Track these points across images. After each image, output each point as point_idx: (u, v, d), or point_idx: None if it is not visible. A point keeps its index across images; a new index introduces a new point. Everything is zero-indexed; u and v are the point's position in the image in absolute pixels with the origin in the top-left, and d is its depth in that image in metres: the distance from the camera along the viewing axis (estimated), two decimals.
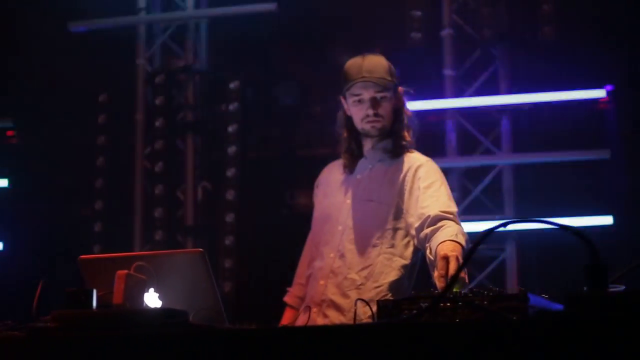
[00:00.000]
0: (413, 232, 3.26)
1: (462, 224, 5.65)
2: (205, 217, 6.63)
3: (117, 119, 6.90)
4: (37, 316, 2.50)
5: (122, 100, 6.89)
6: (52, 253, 6.36)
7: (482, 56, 6.34)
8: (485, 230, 1.87)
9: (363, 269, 3.34)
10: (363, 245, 3.36)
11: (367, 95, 3.36)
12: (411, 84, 6.37)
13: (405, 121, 3.45)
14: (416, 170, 3.35)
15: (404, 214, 3.33)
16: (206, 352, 1.98)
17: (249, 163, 6.57)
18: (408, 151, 3.45)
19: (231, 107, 6.57)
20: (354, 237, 3.38)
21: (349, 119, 3.48)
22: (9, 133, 7.13)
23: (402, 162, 3.40)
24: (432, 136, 6.32)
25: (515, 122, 6.20)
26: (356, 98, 3.38)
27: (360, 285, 3.30)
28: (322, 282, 3.38)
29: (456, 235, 2.98)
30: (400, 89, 3.45)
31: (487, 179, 6.18)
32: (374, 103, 3.35)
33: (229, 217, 6.34)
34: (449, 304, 2.11)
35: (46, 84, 6.90)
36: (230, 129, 6.53)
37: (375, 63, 3.39)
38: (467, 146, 6.25)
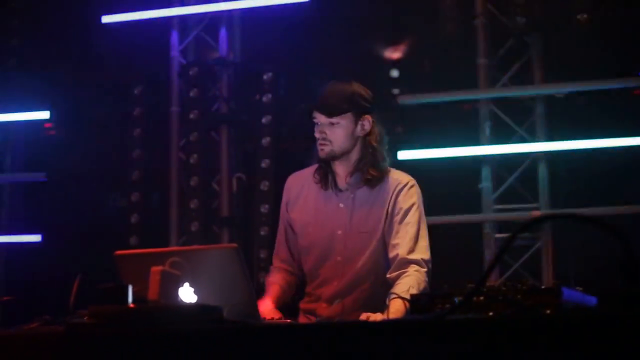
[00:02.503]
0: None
1: (496, 214, 5.68)
2: (240, 208, 6.66)
3: (152, 112, 6.94)
4: (74, 311, 2.54)
5: (157, 93, 6.93)
6: (90, 245, 6.43)
7: (515, 45, 6.29)
8: (519, 227, 1.87)
9: (364, 295, 3.44)
10: (362, 270, 3.46)
11: (319, 119, 3.45)
12: (445, 74, 6.43)
13: (369, 149, 3.47)
14: (397, 195, 3.44)
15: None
16: (240, 349, 2.00)
17: (283, 154, 6.59)
18: (387, 173, 3.51)
19: (265, 98, 6.59)
20: (354, 266, 3.46)
21: None
22: (47, 125, 7.20)
23: (382, 190, 3.47)
24: (465, 125, 6.31)
25: (550, 110, 6.16)
26: (314, 121, 3.48)
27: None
28: (327, 304, 3.48)
29: (408, 290, 3.13)
30: (368, 116, 3.48)
31: (522, 168, 6.15)
32: (323, 128, 3.43)
33: (264, 208, 6.37)
34: (482, 298, 2.12)
35: (82, 77, 6.97)
36: (264, 120, 6.55)
37: (336, 90, 3.46)
38: (501, 135, 6.21)
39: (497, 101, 6.23)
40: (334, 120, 3.42)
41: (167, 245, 6.59)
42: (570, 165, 6.05)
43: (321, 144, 3.44)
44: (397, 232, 3.38)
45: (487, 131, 6.18)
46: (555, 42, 6.24)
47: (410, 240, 3.35)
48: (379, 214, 3.44)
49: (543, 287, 2.17)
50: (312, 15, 6.54)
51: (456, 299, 2.16)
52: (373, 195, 3.47)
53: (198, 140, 6.70)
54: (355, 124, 3.45)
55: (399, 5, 6.66)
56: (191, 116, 6.73)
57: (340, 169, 3.51)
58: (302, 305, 3.58)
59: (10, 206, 7.11)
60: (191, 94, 6.76)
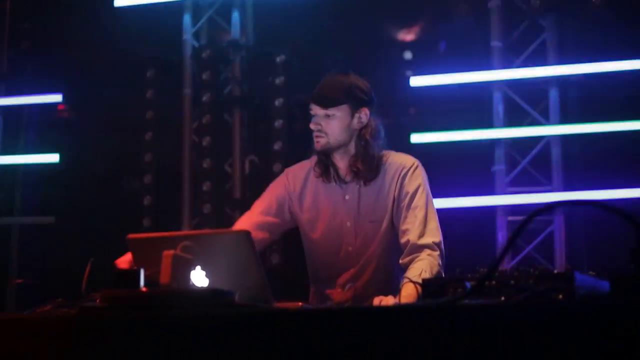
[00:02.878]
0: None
1: (510, 197, 5.67)
2: (252, 190, 6.66)
3: (165, 94, 6.94)
4: (86, 295, 2.56)
5: (170, 76, 6.93)
6: (102, 227, 6.45)
7: (530, 27, 6.26)
8: (530, 214, 1.86)
9: (378, 281, 3.44)
10: (374, 258, 3.46)
11: (315, 111, 3.44)
12: (458, 56, 6.40)
13: (363, 143, 3.45)
14: (402, 179, 3.43)
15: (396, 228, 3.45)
16: (252, 333, 2.00)
17: (296, 136, 6.58)
18: (386, 158, 3.49)
19: (277, 80, 6.59)
20: (365, 254, 3.46)
21: None
22: (61, 107, 7.22)
23: (385, 175, 3.46)
24: (479, 108, 6.28)
25: (564, 93, 6.13)
26: (311, 113, 3.46)
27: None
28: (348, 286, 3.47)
29: (420, 274, 3.12)
30: (365, 110, 3.45)
31: (535, 151, 6.12)
32: (319, 120, 3.42)
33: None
34: (494, 283, 2.11)
35: (95, 59, 6.97)
36: (276, 102, 6.55)
37: (333, 81, 3.46)
38: (515, 117, 6.19)
39: (511, 83, 6.20)
40: (329, 111, 3.40)
41: (179, 228, 6.61)
42: (584, 148, 6.03)
43: (317, 136, 3.42)
44: (406, 218, 3.37)
45: (501, 114, 6.15)
46: (569, 24, 6.20)
47: (420, 224, 3.34)
48: (386, 201, 3.43)
49: (556, 271, 2.16)
50: None
51: (468, 284, 2.16)
52: (378, 183, 3.45)
53: (210, 123, 6.71)
54: (352, 116, 3.43)
55: None
56: (204, 99, 6.74)
57: (341, 162, 3.49)
58: (314, 289, 3.58)
59: (24, 188, 7.13)
60: (204, 76, 6.75)
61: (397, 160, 3.49)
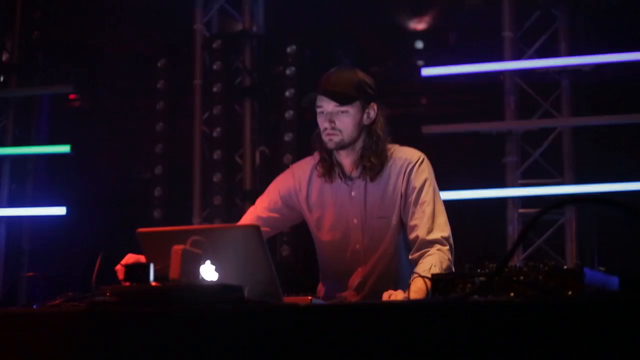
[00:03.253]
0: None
1: (521, 189, 5.65)
2: (263, 182, 6.65)
3: (175, 85, 6.95)
4: (97, 289, 2.56)
5: (181, 66, 6.93)
6: (113, 218, 6.47)
7: (541, 17, 6.23)
8: (540, 211, 1.86)
9: (388, 277, 3.41)
10: (385, 255, 3.44)
11: (327, 108, 3.36)
12: (470, 46, 6.38)
13: (373, 138, 3.41)
14: (409, 175, 3.40)
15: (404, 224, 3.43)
16: (261, 328, 2.00)
17: (306, 127, 6.57)
18: (392, 153, 3.46)
19: (288, 71, 6.58)
20: (375, 252, 3.43)
21: None
22: (72, 96, 7.23)
23: (391, 170, 3.42)
24: (490, 99, 6.27)
25: (576, 83, 6.10)
26: (319, 110, 3.39)
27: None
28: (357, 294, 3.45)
29: (430, 269, 3.10)
30: (374, 104, 3.42)
31: (547, 142, 6.10)
32: (332, 117, 3.35)
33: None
34: (503, 279, 2.11)
35: (106, 50, 6.99)
36: (287, 93, 6.54)
37: (343, 77, 3.38)
38: (526, 109, 6.16)
39: (523, 74, 6.18)
40: (343, 108, 3.34)
41: (190, 219, 6.63)
42: (596, 139, 6.01)
43: (330, 134, 3.35)
44: (414, 213, 3.35)
45: (512, 105, 6.13)
46: (581, 14, 6.18)
47: (428, 220, 3.32)
48: (393, 197, 3.40)
49: (565, 267, 2.16)
50: None
51: (477, 280, 2.15)
52: (384, 179, 3.42)
53: (221, 114, 6.71)
54: (363, 112, 3.39)
55: None
56: (214, 89, 6.73)
57: (347, 159, 3.44)
58: (325, 287, 3.57)
59: (35, 179, 7.15)
60: (215, 66, 6.75)
61: (403, 155, 3.45)
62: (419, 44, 6.81)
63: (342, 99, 3.34)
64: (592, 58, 5.97)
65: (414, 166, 3.41)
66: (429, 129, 6.06)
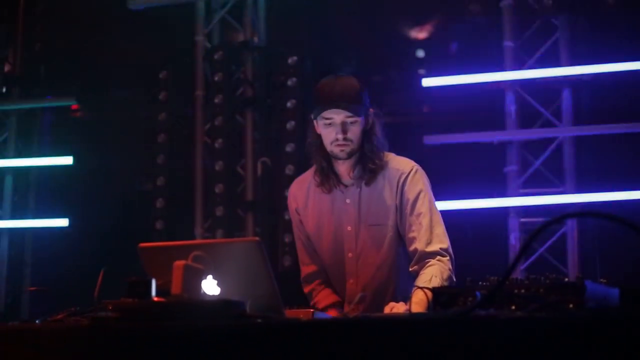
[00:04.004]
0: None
1: (522, 198, 5.64)
2: (265, 192, 6.67)
3: (177, 96, 6.96)
4: (99, 303, 2.57)
5: (182, 77, 6.95)
6: (116, 229, 6.48)
7: (542, 26, 6.24)
8: (539, 227, 1.86)
9: (386, 288, 3.41)
10: (383, 265, 3.43)
11: (338, 119, 3.32)
12: (471, 56, 6.39)
13: (374, 142, 3.41)
14: (402, 187, 3.39)
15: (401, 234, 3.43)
16: (263, 344, 2.00)
17: (308, 138, 6.57)
18: (387, 161, 3.45)
19: (290, 82, 6.58)
20: (372, 261, 3.42)
21: (320, 138, 3.43)
22: (74, 107, 7.24)
23: (386, 179, 3.42)
24: (491, 108, 6.27)
25: (577, 93, 6.11)
26: (327, 121, 3.34)
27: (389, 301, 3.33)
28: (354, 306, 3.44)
29: (430, 280, 3.13)
30: (371, 110, 3.42)
31: (548, 152, 6.11)
32: (344, 127, 3.32)
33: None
34: (505, 292, 2.11)
35: (108, 61, 7.01)
36: (289, 104, 6.54)
37: (348, 87, 3.35)
38: (527, 118, 6.17)
39: (523, 84, 6.19)
40: (354, 118, 3.32)
41: (192, 230, 6.63)
42: (597, 148, 6.01)
43: (342, 145, 3.32)
44: (411, 225, 3.34)
45: (513, 114, 6.14)
46: (582, 24, 6.18)
47: (426, 231, 3.31)
48: (387, 206, 3.40)
49: (567, 280, 2.16)
50: None
51: (478, 294, 2.16)
52: (378, 186, 3.42)
53: (223, 125, 6.72)
54: (366, 119, 3.39)
55: None
56: (216, 100, 6.75)
57: (343, 166, 3.43)
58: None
59: (37, 191, 7.17)
60: (216, 77, 6.77)
61: (396, 165, 3.44)
62: (421, 53, 6.82)
63: (356, 110, 3.32)
64: (593, 67, 5.98)
65: (407, 177, 3.40)
66: (431, 140, 6.07)
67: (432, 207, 3.37)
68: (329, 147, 3.38)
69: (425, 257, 3.29)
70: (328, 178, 3.45)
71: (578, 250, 5.94)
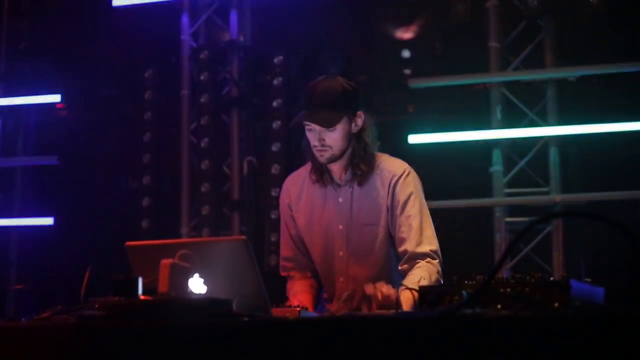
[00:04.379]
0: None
1: (506, 198, 5.66)
2: (251, 192, 6.68)
3: (163, 95, 6.95)
4: (85, 302, 2.57)
5: (168, 76, 6.93)
6: (101, 228, 6.47)
7: (527, 27, 6.26)
8: (526, 226, 1.87)
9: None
10: (374, 265, 3.46)
11: (315, 126, 3.37)
12: (456, 56, 6.41)
13: (363, 145, 3.43)
14: (394, 189, 3.41)
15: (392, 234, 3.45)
16: (249, 342, 2.01)
17: (294, 137, 6.58)
18: (380, 162, 3.48)
19: (275, 81, 6.58)
20: (359, 261, 3.45)
21: None
22: (59, 106, 7.21)
23: (378, 180, 3.44)
24: (476, 108, 6.29)
25: (561, 93, 6.13)
26: (307, 126, 3.40)
27: None
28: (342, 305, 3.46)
29: (419, 281, 3.14)
30: (360, 113, 3.43)
31: (533, 152, 6.13)
32: (322, 134, 3.36)
33: (275, 192, 6.37)
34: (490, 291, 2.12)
35: (93, 60, 6.98)
36: (275, 103, 6.54)
37: (327, 91, 3.36)
38: (512, 118, 6.19)
39: (509, 84, 6.21)
40: (332, 128, 3.35)
41: (178, 229, 6.62)
42: (581, 149, 6.05)
43: (320, 151, 3.38)
44: (401, 227, 3.37)
45: (498, 115, 6.16)
46: (567, 25, 6.21)
47: (416, 232, 3.34)
48: (378, 206, 3.43)
49: (552, 279, 2.18)
50: None
51: (465, 293, 2.17)
52: (371, 187, 3.45)
53: (209, 124, 6.71)
54: (350, 123, 3.40)
55: None
56: (202, 99, 6.74)
57: (336, 166, 3.47)
58: (327, 305, 3.59)
59: (22, 189, 7.14)
60: (202, 77, 6.76)
61: (389, 166, 3.47)
62: (406, 53, 6.83)
63: (329, 122, 3.34)
64: (577, 68, 6.01)
65: (398, 179, 3.42)
66: (415, 139, 6.09)
67: (422, 210, 3.40)
68: (313, 151, 3.43)
69: (415, 258, 3.31)
70: (323, 175, 3.49)
71: (563, 250, 5.97)
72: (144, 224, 6.69)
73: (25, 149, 7.17)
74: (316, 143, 3.37)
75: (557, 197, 5.93)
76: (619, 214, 5.47)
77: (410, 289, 2.92)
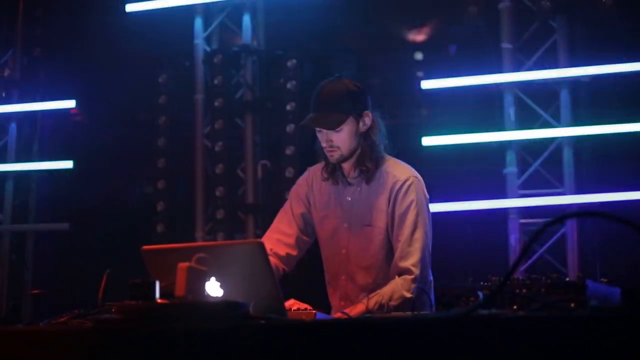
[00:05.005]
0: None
1: (522, 199, 5.64)
2: (265, 195, 6.69)
3: (177, 99, 6.97)
4: (102, 306, 2.58)
5: (182, 81, 6.96)
6: (117, 233, 6.49)
7: (540, 28, 6.25)
8: (540, 227, 1.87)
9: (374, 289, 3.40)
10: (371, 267, 3.48)
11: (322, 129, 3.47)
12: (469, 58, 6.40)
13: (369, 144, 3.48)
14: (395, 196, 3.43)
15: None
16: (265, 344, 2.02)
17: (308, 140, 6.58)
18: (386, 165, 3.50)
19: (289, 84, 6.60)
20: (360, 261, 3.48)
21: None
22: (73, 111, 7.25)
23: (383, 183, 3.47)
24: (490, 110, 6.28)
25: (575, 94, 6.12)
26: (316, 128, 3.49)
27: None
28: (342, 302, 3.52)
29: (377, 301, 3.17)
30: (368, 112, 3.47)
31: (547, 153, 6.12)
32: (329, 136, 3.44)
33: (289, 195, 6.37)
34: (506, 292, 2.13)
35: (107, 65, 7.01)
36: (288, 106, 6.56)
37: (331, 95, 3.44)
38: (526, 119, 6.18)
39: (522, 85, 6.20)
40: (337, 128, 3.42)
41: (193, 233, 6.64)
42: (595, 149, 6.03)
43: (330, 151, 3.46)
44: (397, 236, 3.40)
45: (512, 116, 6.15)
46: (580, 26, 6.20)
47: (404, 244, 3.36)
48: (380, 209, 3.45)
49: (568, 279, 2.18)
50: (335, 0, 6.55)
51: (481, 294, 2.17)
52: (373, 188, 3.49)
53: (223, 128, 6.74)
54: (358, 123, 3.46)
55: None
56: (216, 104, 6.77)
57: (346, 164, 3.53)
58: (333, 302, 3.61)
59: (38, 194, 7.18)
60: (215, 81, 6.78)
61: (394, 170, 3.49)
62: (419, 56, 6.83)
63: (333, 125, 3.41)
64: (591, 69, 5.99)
65: (401, 187, 3.43)
66: (429, 141, 6.09)
67: (418, 220, 3.40)
68: (324, 151, 3.50)
69: (396, 271, 3.34)
70: (334, 173, 3.55)
71: (578, 250, 5.95)
72: (159, 228, 6.71)
73: (40, 154, 7.21)
74: (325, 144, 3.45)
75: (572, 197, 5.92)
76: (634, 214, 5.46)
77: (367, 303, 3.07)
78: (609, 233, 5.61)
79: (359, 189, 3.51)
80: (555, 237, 5.99)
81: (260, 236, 6.44)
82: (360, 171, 3.50)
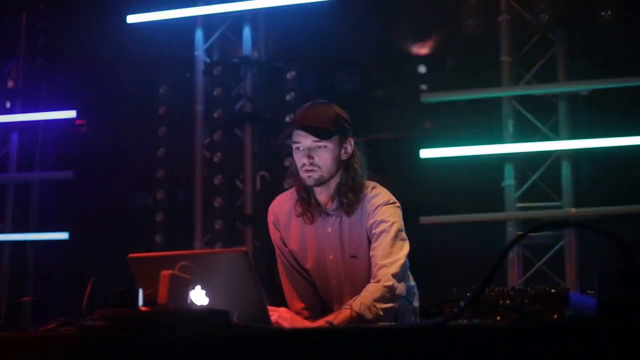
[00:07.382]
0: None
1: (519, 213, 5.62)
2: (264, 206, 6.66)
3: (177, 110, 7.00)
4: (87, 314, 2.59)
5: (182, 92, 6.99)
6: (116, 243, 6.50)
7: (539, 42, 6.27)
8: (515, 237, 1.88)
9: None
10: None
11: (305, 143, 3.27)
12: (468, 71, 6.41)
13: (352, 174, 3.33)
14: (369, 217, 3.29)
15: None
16: (248, 353, 2.02)
17: None
18: (367, 192, 3.36)
19: (288, 96, 6.62)
20: (352, 290, 3.33)
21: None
22: (79, 122, 7.28)
23: (362, 212, 3.33)
24: (488, 123, 6.29)
25: (574, 108, 6.13)
26: (295, 145, 3.31)
27: None
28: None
29: (360, 305, 3.01)
30: (351, 139, 3.35)
31: (545, 166, 6.12)
32: (311, 152, 3.26)
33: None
34: (490, 303, 2.13)
35: (108, 76, 7.04)
36: (287, 118, 6.57)
37: (319, 111, 3.30)
38: (525, 133, 6.18)
39: (521, 98, 6.21)
40: (321, 143, 3.25)
41: (191, 243, 6.65)
42: (594, 163, 6.03)
43: (308, 170, 3.27)
44: (374, 249, 3.25)
45: (511, 129, 6.15)
46: (579, 39, 6.21)
47: (385, 248, 3.22)
48: (363, 240, 3.33)
49: (553, 291, 2.18)
50: (337, 13, 6.56)
51: (462, 304, 2.17)
52: (357, 218, 3.34)
53: (222, 139, 6.76)
54: (340, 147, 3.31)
55: (422, 1, 6.68)
56: (215, 115, 6.79)
57: (321, 195, 3.36)
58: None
59: (39, 204, 7.20)
60: (215, 92, 6.81)
61: (373, 199, 3.34)
62: (422, 69, 6.84)
63: (322, 134, 3.25)
64: (590, 82, 6.00)
65: (379, 206, 3.30)
66: (427, 153, 6.08)
67: (397, 235, 3.25)
68: (300, 174, 3.33)
69: (376, 269, 3.22)
70: (309, 206, 3.38)
71: (577, 264, 5.94)
72: (158, 238, 6.73)
73: (42, 164, 7.23)
74: (305, 161, 3.27)
75: (570, 210, 5.92)
76: (632, 227, 5.45)
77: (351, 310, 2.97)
78: (607, 246, 5.58)
79: (338, 219, 3.36)
80: (553, 251, 5.99)
81: (259, 247, 6.52)
82: (340, 203, 3.34)
